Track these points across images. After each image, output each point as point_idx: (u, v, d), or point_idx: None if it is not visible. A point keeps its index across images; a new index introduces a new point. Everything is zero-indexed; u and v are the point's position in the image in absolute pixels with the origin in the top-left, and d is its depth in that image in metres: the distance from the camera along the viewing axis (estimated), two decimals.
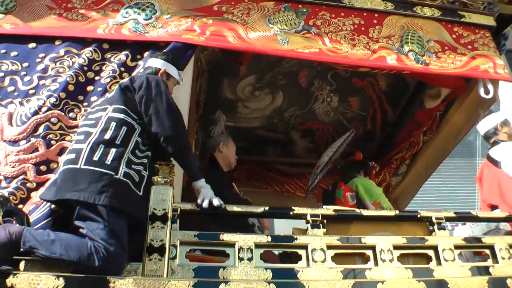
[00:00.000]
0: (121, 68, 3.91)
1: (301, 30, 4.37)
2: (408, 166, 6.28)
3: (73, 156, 2.99)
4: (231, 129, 5.65)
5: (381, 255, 3.16)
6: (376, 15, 4.66)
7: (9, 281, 2.59)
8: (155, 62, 3.66)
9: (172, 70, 3.66)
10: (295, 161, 6.79)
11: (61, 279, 2.62)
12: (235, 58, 4.50)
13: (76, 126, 3.57)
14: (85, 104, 3.74)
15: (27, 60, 3.93)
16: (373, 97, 5.89)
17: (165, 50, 3.91)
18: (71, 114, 3.68)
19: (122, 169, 2.95)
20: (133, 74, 3.82)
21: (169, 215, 3.00)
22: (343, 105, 5.99)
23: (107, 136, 3.04)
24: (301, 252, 3.12)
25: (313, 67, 5.32)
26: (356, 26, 4.52)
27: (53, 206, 3.12)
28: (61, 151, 3.52)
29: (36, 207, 3.17)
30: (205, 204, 3.14)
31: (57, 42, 4.04)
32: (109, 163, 2.94)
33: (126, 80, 3.38)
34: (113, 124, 3.09)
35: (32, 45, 4.01)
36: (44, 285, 2.60)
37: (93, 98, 3.76)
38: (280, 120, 6.26)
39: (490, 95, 4.49)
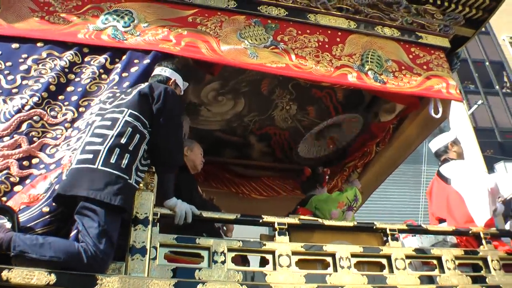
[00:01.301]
0: (100, 70, 4.26)
1: (270, 45, 4.77)
2: (360, 174, 6.77)
3: (90, 156, 3.30)
4: (191, 131, 5.97)
5: (340, 262, 3.59)
6: (340, 33, 5.10)
7: (4, 274, 2.85)
8: (165, 72, 4.00)
9: (179, 80, 4.02)
10: (250, 163, 7.16)
11: (53, 274, 2.90)
12: (208, 69, 4.84)
13: (57, 124, 3.95)
14: (66, 103, 4.07)
15: (10, 60, 4.21)
16: (330, 107, 6.32)
17: (173, 60, 4.25)
18: (52, 113, 4.00)
19: (133, 175, 3.31)
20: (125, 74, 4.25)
21: (150, 218, 3.35)
22: (301, 113, 6.40)
23: (123, 141, 3.34)
24: (268, 256, 3.52)
25: (275, 77, 5.70)
26: (320, 43, 4.95)
27: (44, 208, 3.41)
28: (43, 147, 3.85)
29: (27, 208, 3.45)
30: (181, 222, 3.50)
31: (39, 44, 4.32)
32: (124, 167, 3.27)
33: (145, 87, 3.64)
34: (129, 130, 3.39)
35: (15, 45, 4.29)
36: (38, 280, 2.87)
37: (73, 98, 4.09)
38: (239, 124, 6.62)
39: (439, 115, 4.99)
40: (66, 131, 3.95)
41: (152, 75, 4.03)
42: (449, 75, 5.14)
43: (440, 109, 4.98)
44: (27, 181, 3.69)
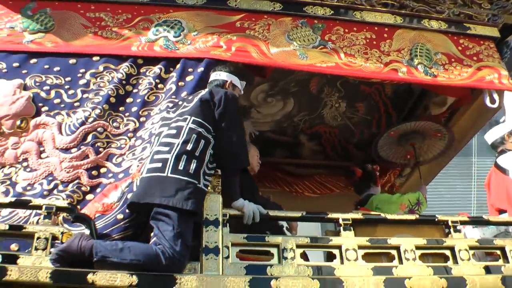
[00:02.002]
0: (156, 80, 4.58)
1: (318, 45, 5.01)
2: (412, 169, 6.96)
3: (159, 164, 3.59)
4: None
5: (405, 255, 3.79)
6: (386, 29, 5.31)
7: (90, 278, 3.16)
8: (221, 75, 4.28)
9: (236, 81, 4.28)
10: (302, 162, 7.45)
11: (134, 276, 3.19)
12: (259, 72, 5.11)
13: (120, 134, 4.30)
14: (126, 114, 4.42)
15: (69, 75, 4.57)
16: (379, 103, 6.54)
17: (226, 63, 4.54)
18: (115, 124, 4.35)
19: (202, 179, 3.59)
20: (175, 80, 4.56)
21: (220, 219, 3.63)
22: (350, 110, 6.64)
23: (189, 147, 3.60)
24: (335, 251, 3.75)
25: (324, 76, 5.93)
26: (368, 40, 5.18)
27: (119, 216, 3.75)
28: (109, 157, 4.21)
29: (102, 216, 3.78)
30: (250, 222, 3.78)
31: (95, 58, 4.67)
32: (192, 172, 3.56)
33: (205, 93, 3.90)
34: (194, 136, 3.65)
35: (72, 61, 4.64)
36: (121, 281, 3.17)
37: (133, 109, 4.44)
38: (289, 124, 6.91)
39: (496, 105, 5.11)
40: (130, 140, 4.29)
41: (209, 81, 4.29)
42: (500, 65, 5.26)
43: (497, 99, 5.09)
44: (98, 189, 4.04)
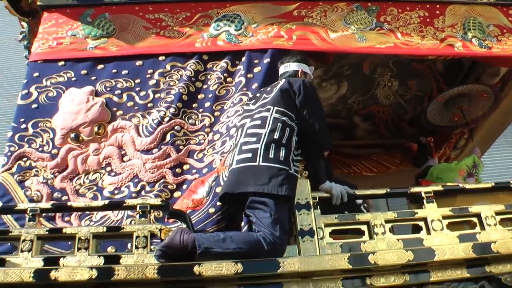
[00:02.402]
0: (225, 74, 4.76)
1: (375, 27, 5.17)
2: (467, 140, 7.12)
3: (249, 155, 3.72)
4: None
5: (486, 221, 3.92)
6: (438, 6, 5.45)
7: (196, 269, 3.31)
8: (291, 66, 4.36)
9: (306, 68, 4.38)
10: (357, 143, 7.66)
11: (239, 264, 3.33)
12: (320, 58, 5.25)
13: (197, 130, 4.49)
14: (200, 110, 4.61)
15: (138, 77, 4.77)
16: (431, 79, 6.68)
17: (291, 53, 4.62)
18: (190, 121, 4.55)
19: (292, 165, 3.74)
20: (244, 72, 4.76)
21: (310, 202, 3.77)
22: (403, 88, 6.79)
23: (276, 136, 3.72)
24: (421, 223, 3.88)
25: (377, 57, 6.08)
26: (422, 18, 5.31)
27: (210, 210, 3.93)
28: (189, 154, 4.42)
29: (194, 211, 3.98)
30: (338, 202, 3.91)
31: (161, 58, 4.86)
32: (282, 159, 3.71)
33: (284, 83, 4.01)
34: (279, 125, 3.77)
35: (139, 62, 4.84)
36: (227, 270, 3.32)
37: (206, 104, 4.63)
38: (343, 107, 7.13)
39: None
40: (208, 135, 4.48)
41: (280, 75, 4.42)
42: None
43: None
44: (184, 186, 4.24)
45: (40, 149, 4.43)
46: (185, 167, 4.33)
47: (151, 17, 5.09)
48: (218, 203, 3.95)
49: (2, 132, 10.98)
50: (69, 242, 3.88)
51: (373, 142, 7.46)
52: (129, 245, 3.82)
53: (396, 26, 5.18)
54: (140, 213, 3.67)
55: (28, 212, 3.69)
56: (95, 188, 4.28)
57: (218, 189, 4.01)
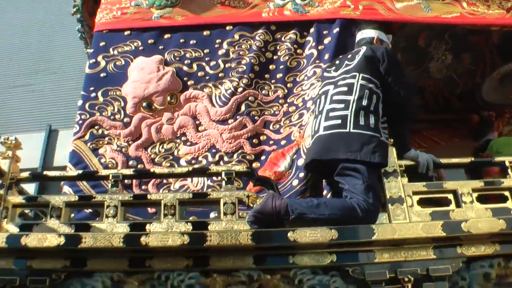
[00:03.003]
0: (294, 46, 4.82)
1: None
2: None
3: (338, 121, 3.74)
4: None
5: None
6: None
7: (291, 236, 3.30)
8: (368, 33, 4.40)
9: (382, 36, 4.43)
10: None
11: (333, 230, 3.34)
12: (386, 29, 5.25)
13: (271, 101, 4.55)
14: (273, 81, 4.68)
15: (207, 47, 4.83)
16: (485, 51, 6.67)
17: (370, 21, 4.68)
18: (263, 92, 4.62)
19: (382, 132, 3.78)
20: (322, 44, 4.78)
21: (398, 170, 3.81)
22: (456, 61, 6.78)
23: (364, 103, 3.75)
24: (506, 193, 3.87)
25: (433, 29, 6.09)
26: None
27: (294, 182, 4.00)
28: (265, 124, 4.50)
29: (277, 184, 3.99)
30: (424, 171, 3.95)
31: (228, 28, 4.92)
32: (373, 126, 3.72)
33: (367, 50, 4.02)
34: (366, 92, 3.79)
35: (206, 32, 4.91)
36: (321, 237, 3.33)
37: (278, 75, 4.70)
38: None
39: None
40: (282, 107, 4.56)
41: (356, 41, 4.45)
42: None
43: None
44: (262, 157, 4.34)
45: (112, 117, 4.52)
46: (262, 137, 4.42)
47: None
48: (301, 175, 4.04)
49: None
50: (149, 211, 3.97)
51: (422, 117, 7.44)
52: (211, 214, 3.91)
53: None
54: (226, 179, 3.71)
55: (110, 178, 3.75)
56: (171, 157, 4.37)
57: (300, 162, 4.10)
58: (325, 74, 4.23)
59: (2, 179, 3.71)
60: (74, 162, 4.35)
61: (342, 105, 3.82)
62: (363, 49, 4.10)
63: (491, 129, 6.10)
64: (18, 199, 3.75)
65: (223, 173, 3.71)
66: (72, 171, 4.16)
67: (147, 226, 3.51)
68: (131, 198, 3.71)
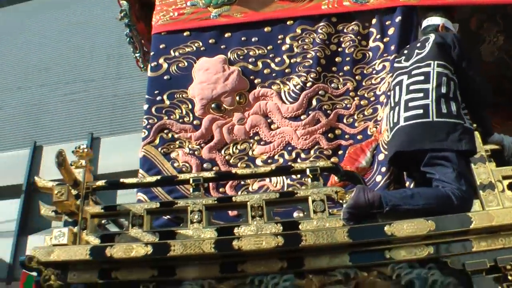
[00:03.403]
0: (358, 37, 4.80)
1: None
2: None
3: (420, 111, 3.72)
4: None
5: None
6: None
7: (388, 229, 3.27)
8: (434, 20, 4.38)
9: (448, 23, 4.41)
10: None
11: (430, 221, 3.30)
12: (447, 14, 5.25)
13: (341, 95, 4.54)
14: (340, 74, 4.66)
15: (270, 43, 4.83)
16: None
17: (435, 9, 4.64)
18: (333, 85, 4.61)
19: (465, 118, 3.76)
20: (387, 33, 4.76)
21: (484, 155, 3.76)
22: (508, 42, 6.74)
23: (443, 90, 3.73)
24: None
25: (484, 12, 6.07)
26: None
27: (377, 178, 4.01)
28: (339, 118, 4.47)
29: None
30: (510, 154, 3.92)
31: (289, 23, 4.92)
32: (455, 113, 3.72)
33: (436, 37, 4.00)
34: (444, 79, 3.77)
35: (267, 29, 4.91)
36: (418, 229, 3.29)
37: (345, 68, 4.68)
38: None
39: None
40: (353, 100, 4.54)
41: (422, 29, 4.45)
42: None
43: None
44: (339, 152, 4.32)
45: (181, 120, 4.52)
46: (337, 132, 4.40)
47: None
48: (383, 169, 4.04)
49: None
50: (230, 214, 3.99)
51: None
52: (295, 213, 3.92)
53: None
54: (311, 176, 3.68)
55: (191, 182, 3.75)
56: (246, 158, 4.37)
57: (381, 157, 4.11)
58: (396, 65, 4.22)
59: (78, 189, 3.69)
60: (146, 168, 4.35)
61: (421, 94, 3.80)
62: (432, 36, 4.08)
63: None
64: (96, 209, 3.73)
65: (307, 170, 3.70)
66: (150, 177, 4.12)
67: (235, 230, 3.47)
68: (216, 202, 3.68)
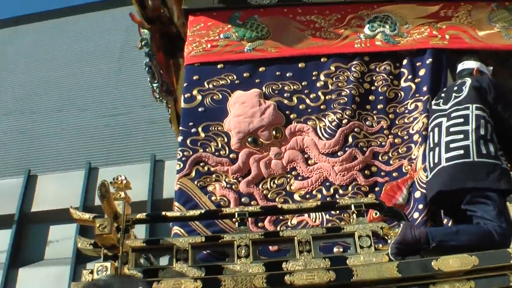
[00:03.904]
0: (390, 77, 4.99)
1: None
2: None
3: (461, 152, 3.92)
4: None
5: None
6: None
7: (435, 264, 3.35)
8: (468, 64, 4.59)
9: (482, 67, 4.59)
10: None
11: (473, 256, 3.39)
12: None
13: (376, 132, 4.69)
14: (374, 112, 4.82)
15: (304, 79, 4.98)
16: None
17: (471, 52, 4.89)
18: (367, 123, 4.75)
19: (502, 159, 3.98)
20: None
21: None
22: None
23: (482, 132, 3.96)
24: None
25: (498, 56, 6.21)
26: None
27: (415, 215, 4.14)
28: (374, 155, 4.59)
29: None
30: None
31: (323, 60, 5.09)
32: (493, 154, 3.90)
33: (473, 81, 4.25)
34: (482, 122, 4.01)
35: (301, 64, 5.06)
36: (463, 264, 3.36)
37: (379, 106, 4.84)
38: None
39: None
40: (387, 138, 4.69)
41: (457, 72, 4.66)
42: None
43: None
44: (376, 189, 4.43)
45: (217, 153, 4.57)
46: (373, 169, 4.52)
47: (303, 19, 5.31)
48: (420, 206, 4.17)
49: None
50: (271, 249, 4.05)
51: None
52: (335, 248, 4.00)
53: None
54: (356, 212, 3.79)
55: (236, 216, 3.78)
56: (284, 193, 4.43)
57: (417, 194, 4.25)
58: (434, 107, 4.44)
59: (117, 222, 3.62)
60: (182, 201, 4.35)
61: (461, 136, 4.02)
62: (468, 80, 4.32)
63: None
64: (138, 242, 3.71)
65: (352, 206, 3.81)
66: (193, 211, 4.08)
67: (284, 265, 3.50)
68: (263, 236, 3.73)
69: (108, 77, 12.57)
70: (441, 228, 3.83)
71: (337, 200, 4.10)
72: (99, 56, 13.37)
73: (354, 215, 3.79)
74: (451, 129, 4.11)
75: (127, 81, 12.43)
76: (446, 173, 3.96)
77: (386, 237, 3.71)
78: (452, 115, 4.18)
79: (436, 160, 4.08)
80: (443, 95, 4.44)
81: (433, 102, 4.48)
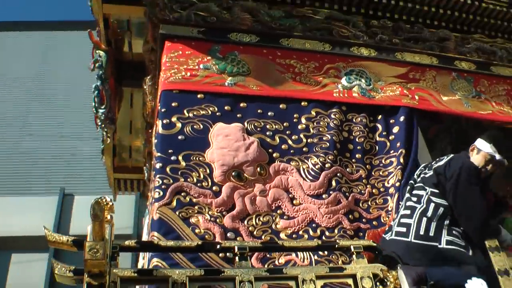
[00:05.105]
0: (366, 129, 5.24)
1: (475, 95, 5.90)
2: None
3: (404, 229, 4.11)
4: None
5: None
6: None
7: None
8: (478, 140, 4.43)
9: (482, 145, 4.38)
10: None
11: None
12: (436, 119, 5.83)
13: (356, 180, 4.88)
14: (353, 160, 5.02)
15: (286, 120, 5.10)
16: None
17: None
18: (348, 170, 4.94)
19: (443, 240, 4.03)
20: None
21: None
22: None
23: (428, 214, 4.09)
24: None
25: (443, 123, 6.57)
26: (506, 91, 6.11)
27: None
28: (355, 202, 4.77)
29: None
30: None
31: (303, 104, 5.24)
32: (432, 235, 4.02)
33: (442, 165, 4.28)
34: (432, 205, 4.13)
35: (282, 105, 5.18)
36: None
37: (357, 155, 5.07)
38: None
39: None
40: (366, 187, 4.89)
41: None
42: None
43: None
44: (360, 234, 4.58)
45: (199, 184, 4.50)
46: (355, 214, 4.68)
47: (282, 62, 5.47)
48: None
49: None
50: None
51: None
52: None
53: (490, 96, 5.94)
54: (355, 253, 3.86)
55: (236, 250, 3.66)
56: (269, 230, 4.44)
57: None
58: (422, 168, 4.54)
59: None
60: (163, 231, 4.19)
61: (409, 212, 4.20)
62: (442, 162, 4.35)
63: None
64: (128, 272, 3.39)
65: (352, 247, 3.88)
66: (188, 242, 3.98)
67: None
68: (266, 273, 3.66)
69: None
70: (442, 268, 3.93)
71: (337, 241, 4.14)
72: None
73: (354, 256, 3.86)
74: (407, 203, 4.29)
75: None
76: (394, 245, 4.10)
77: (385, 280, 3.80)
78: (413, 192, 4.33)
79: (392, 228, 4.26)
80: (423, 167, 4.54)
81: (422, 168, 4.54)
